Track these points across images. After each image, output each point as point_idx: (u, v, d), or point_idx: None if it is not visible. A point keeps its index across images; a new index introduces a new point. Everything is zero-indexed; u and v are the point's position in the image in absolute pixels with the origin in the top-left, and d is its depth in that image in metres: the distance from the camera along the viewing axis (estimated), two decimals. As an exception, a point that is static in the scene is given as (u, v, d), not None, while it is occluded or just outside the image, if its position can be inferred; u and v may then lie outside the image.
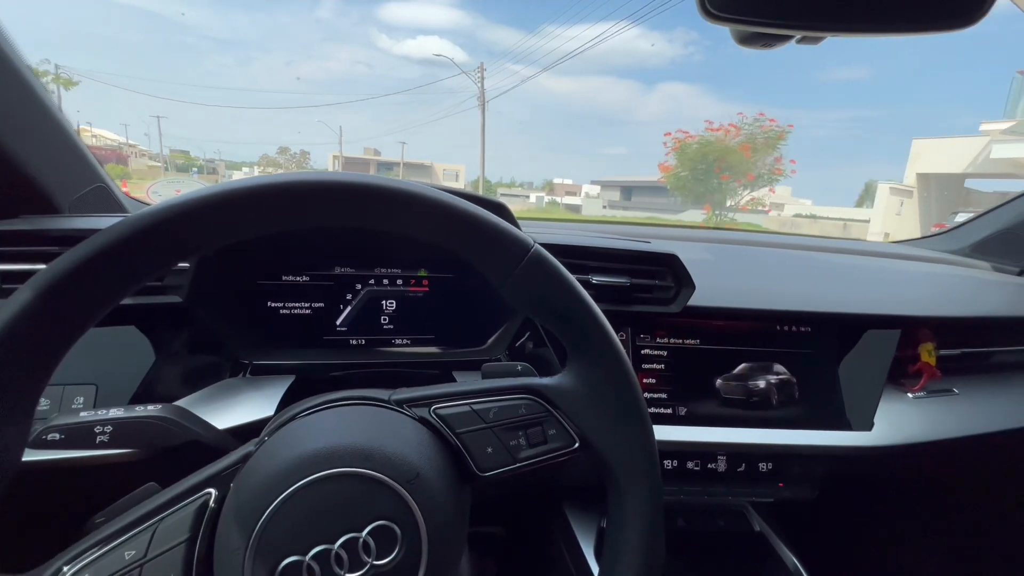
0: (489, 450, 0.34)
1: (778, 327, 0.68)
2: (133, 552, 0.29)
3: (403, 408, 0.35)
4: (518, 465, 0.35)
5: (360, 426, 0.32)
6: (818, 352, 0.68)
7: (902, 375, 0.72)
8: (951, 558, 1.16)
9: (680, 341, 0.66)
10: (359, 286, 0.69)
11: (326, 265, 0.68)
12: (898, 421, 0.66)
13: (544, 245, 0.60)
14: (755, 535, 0.73)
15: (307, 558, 0.28)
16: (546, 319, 0.35)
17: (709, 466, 0.65)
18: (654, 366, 0.65)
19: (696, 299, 0.65)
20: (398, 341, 0.71)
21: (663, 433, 0.62)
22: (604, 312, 0.63)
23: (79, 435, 0.37)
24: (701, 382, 0.65)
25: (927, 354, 0.71)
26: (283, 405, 0.56)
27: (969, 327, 0.76)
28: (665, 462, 0.64)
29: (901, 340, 0.70)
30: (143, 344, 0.57)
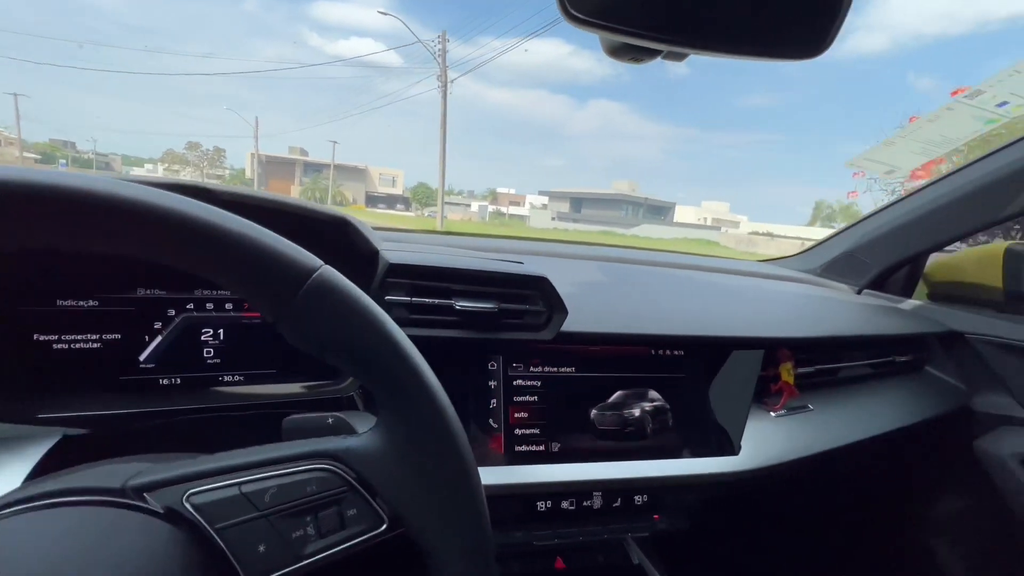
0: (262, 548, 0.26)
1: (652, 351, 0.66)
2: None
3: (142, 499, 0.25)
4: (302, 564, 0.26)
5: (47, 552, 0.22)
6: (690, 376, 0.67)
7: (765, 394, 0.74)
8: (821, 568, 1.25)
9: (555, 369, 0.62)
10: (171, 311, 0.56)
11: (122, 286, 0.54)
12: (762, 442, 0.67)
13: (398, 265, 0.52)
14: (634, 568, 0.71)
15: None
16: (341, 362, 0.27)
17: (584, 504, 0.61)
18: (526, 398, 0.59)
19: (571, 324, 0.60)
20: (228, 378, 0.58)
21: (536, 473, 0.57)
22: (471, 340, 0.57)
23: None
24: (575, 413, 0.61)
25: (787, 373, 0.73)
26: (39, 473, 0.42)
27: (820, 346, 0.81)
28: (538, 504, 0.59)
29: (764, 360, 0.72)
30: None
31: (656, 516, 0.64)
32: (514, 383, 0.59)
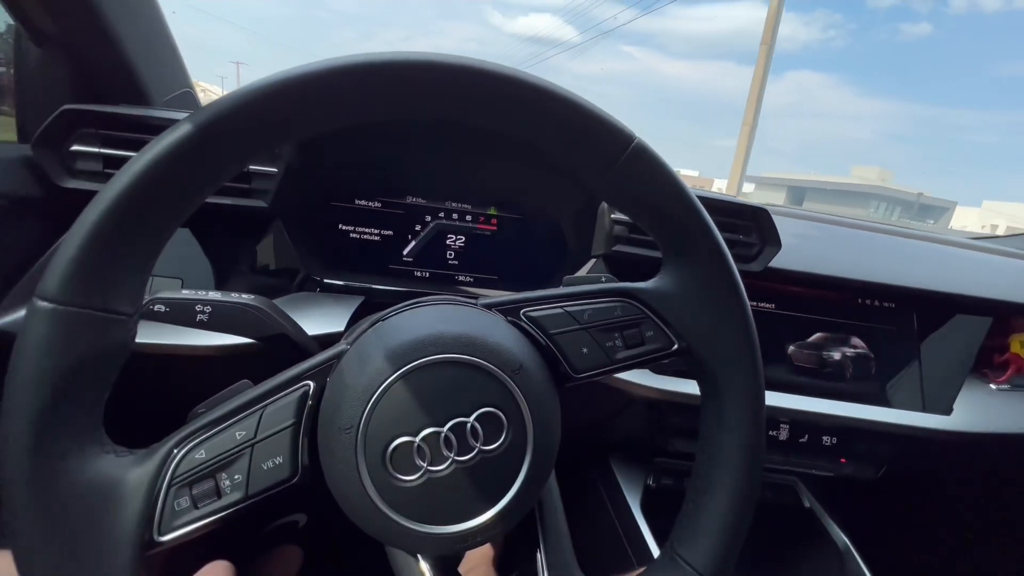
0: (585, 351, 0.34)
1: (860, 300, 0.65)
2: (244, 433, 0.29)
3: (493, 311, 0.35)
4: (615, 366, 0.34)
5: (459, 319, 0.32)
6: (901, 330, 0.65)
7: (987, 365, 0.68)
8: (1009, 555, 1.12)
9: (755, 304, 0.64)
10: (428, 218, 0.69)
11: (398, 193, 0.68)
12: (979, 409, 0.63)
13: None
14: (804, 511, 0.72)
15: (417, 439, 0.28)
16: (645, 217, 0.34)
17: (770, 432, 0.63)
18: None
19: (780, 262, 0.62)
20: (461, 278, 0.70)
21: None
22: None
23: (181, 310, 0.38)
24: (772, 347, 0.63)
25: (1019, 345, 0.66)
26: (352, 322, 0.57)
27: None
28: None
29: (991, 328, 0.66)
30: (220, 246, 0.59)
31: (843, 460, 0.64)
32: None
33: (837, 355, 0.63)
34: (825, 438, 0.63)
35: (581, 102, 0.31)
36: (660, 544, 0.60)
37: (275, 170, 0.55)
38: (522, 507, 0.30)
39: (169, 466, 0.28)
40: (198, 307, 0.39)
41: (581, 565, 0.44)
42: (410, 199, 0.68)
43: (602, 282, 0.39)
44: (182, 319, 0.39)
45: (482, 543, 0.30)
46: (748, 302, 0.34)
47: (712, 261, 0.34)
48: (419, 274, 0.70)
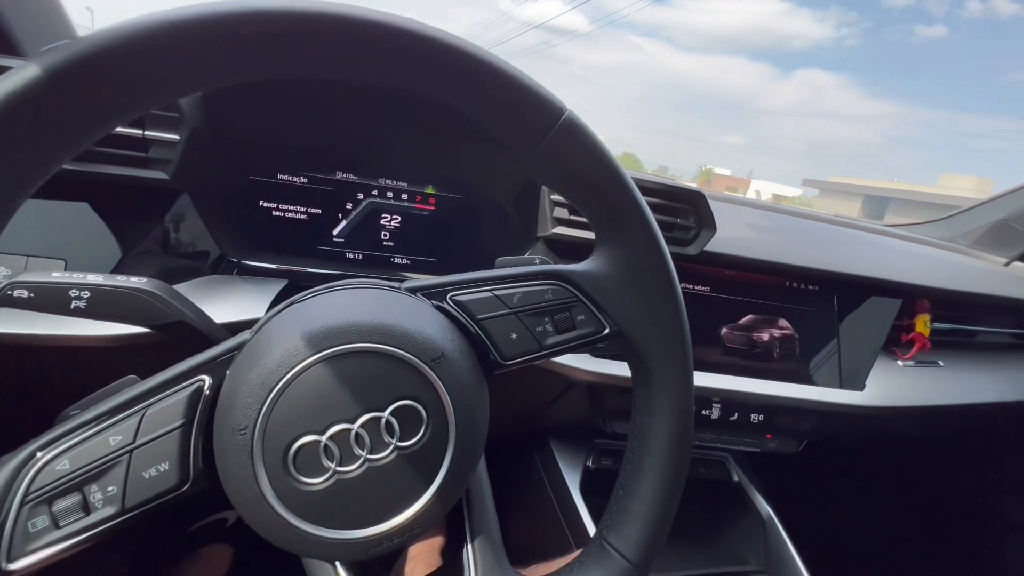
0: (514, 336, 0.32)
1: (788, 283, 0.68)
2: (119, 438, 0.26)
3: (417, 295, 0.32)
4: (544, 352, 0.33)
5: (375, 305, 0.29)
6: (822, 311, 0.68)
7: (895, 343, 0.73)
8: (914, 515, 1.23)
9: (691, 287, 0.65)
10: (361, 196, 0.64)
11: (326, 168, 0.63)
12: (888, 385, 0.68)
13: None
14: (733, 485, 0.75)
15: (324, 438, 0.25)
16: (577, 196, 0.32)
17: (703, 412, 0.65)
18: (663, 308, 0.63)
19: (715, 246, 0.63)
20: (397, 260, 0.67)
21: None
22: None
23: (51, 296, 0.33)
24: (706, 329, 0.64)
25: (923, 324, 0.72)
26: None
27: (963, 304, 0.78)
28: None
29: (900, 309, 0.71)
30: (118, 225, 0.52)
31: (769, 436, 0.68)
32: (652, 293, 0.64)
33: (766, 336, 0.65)
34: (753, 415, 0.66)
35: (508, 69, 0.29)
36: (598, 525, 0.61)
37: (176, 137, 0.48)
38: (445, 503, 0.29)
39: (23, 479, 0.24)
40: (73, 292, 0.33)
41: (521, 549, 0.43)
42: (340, 175, 0.63)
43: (536, 264, 0.38)
44: (53, 306, 0.33)
45: (401, 545, 0.28)
46: (679, 287, 0.34)
47: (644, 244, 0.33)
48: (351, 256, 0.65)
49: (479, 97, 0.29)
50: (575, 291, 0.34)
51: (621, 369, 0.60)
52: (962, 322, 0.78)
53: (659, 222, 0.60)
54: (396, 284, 0.33)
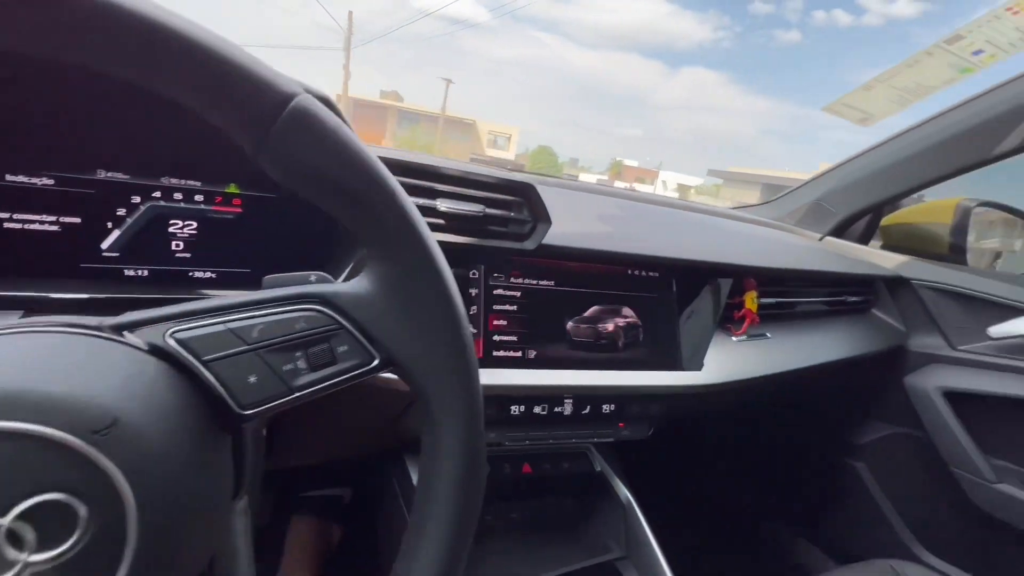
0: (252, 379, 0.26)
1: (630, 271, 0.68)
2: None
3: (121, 335, 0.24)
4: (295, 396, 0.27)
5: (28, 361, 0.21)
6: (663, 297, 0.70)
7: (730, 320, 0.78)
8: (754, 481, 1.37)
9: (534, 282, 0.63)
10: (137, 199, 0.52)
11: (84, 166, 0.50)
12: (724, 362, 0.72)
13: (387, 161, 0.51)
14: (596, 475, 0.76)
15: None
16: (327, 200, 0.27)
17: (556, 409, 0.64)
18: (506, 307, 0.60)
19: (554, 237, 0.61)
20: (198, 275, 0.56)
21: (512, 377, 0.59)
22: (454, 247, 0.56)
23: None
24: (552, 324, 0.62)
25: (751, 301, 0.77)
26: None
27: (784, 279, 0.86)
28: (512, 408, 0.61)
29: (731, 289, 0.75)
30: None
31: (621, 424, 0.68)
32: (494, 292, 0.60)
33: (611, 326, 0.65)
34: (604, 406, 0.66)
35: (225, 50, 0.22)
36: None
37: None
38: None
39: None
40: None
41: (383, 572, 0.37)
42: (104, 174, 0.51)
43: (311, 282, 0.31)
44: None
45: None
46: (460, 304, 0.29)
47: (413, 256, 0.28)
48: (133, 273, 0.53)
49: (187, 82, 0.22)
50: (337, 317, 0.28)
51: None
52: (785, 295, 0.86)
53: (493, 216, 0.57)
54: (95, 323, 0.25)
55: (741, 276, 0.77)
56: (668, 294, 0.70)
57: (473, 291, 0.59)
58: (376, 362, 0.28)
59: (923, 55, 0.81)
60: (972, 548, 0.95)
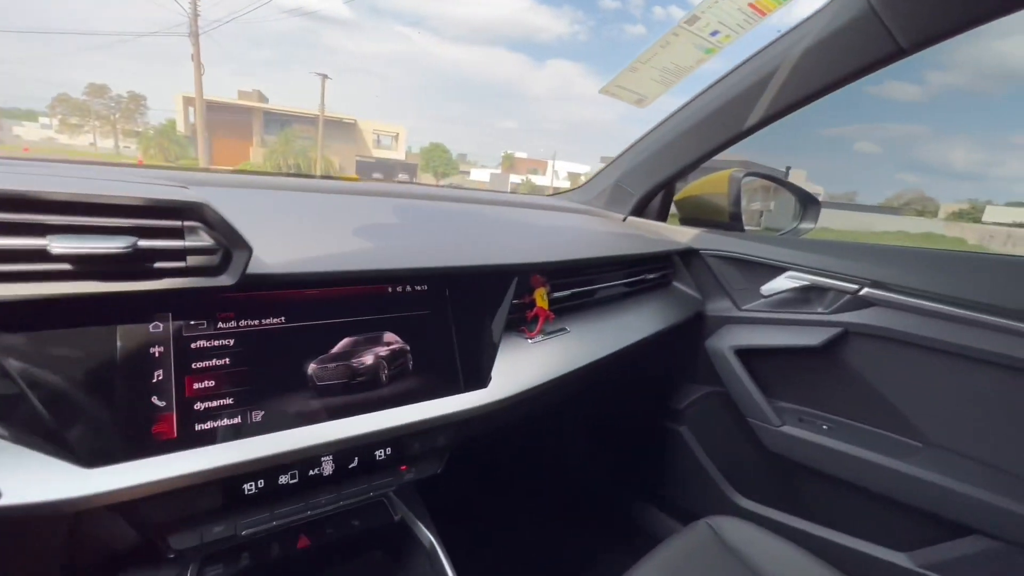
0: None
1: (389, 289, 0.58)
2: None
3: None
4: None
5: None
6: (434, 312, 0.61)
7: (522, 322, 0.73)
8: (597, 456, 1.39)
9: (255, 323, 0.49)
10: None
11: None
12: (516, 370, 0.66)
13: None
14: (397, 524, 0.66)
15: None
16: None
17: (311, 473, 0.52)
18: (211, 363, 0.46)
19: (266, 265, 0.48)
20: None
21: (232, 453, 0.45)
22: (115, 298, 0.41)
23: None
24: (286, 372, 0.50)
25: (541, 298, 0.73)
26: None
27: (575, 269, 0.83)
28: (246, 486, 0.48)
29: (517, 288, 0.70)
30: None
31: (404, 467, 0.59)
32: (192, 346, 0.46)
33: (369, 359, 0.55)
34: (378, 452, 0.56)
35: None
36: None
37: None
38: None
39: None
40: None
41: None
42: None
43: None
44: None
45: None
46: None
47: None
48: None
49: None
50: None
51: (150, 471, 0.41)
52: (580, 284, 0.84)
53: (154, 251, 0.42)
54: None
55: (527, 274, 0.72)
56: (440, 308, 0.62)
57: (156, 350, 0.44)
58: None
59: (671, 36, 0.84)
60: (774, 488, 1.06)
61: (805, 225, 1.28)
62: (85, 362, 0.41)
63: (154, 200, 0.41)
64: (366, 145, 32.04)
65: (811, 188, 1.36)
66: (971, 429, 0.83)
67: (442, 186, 0.96)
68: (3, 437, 0.38)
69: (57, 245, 0.37)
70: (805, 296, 0.99)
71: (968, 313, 0.80)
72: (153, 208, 0.41)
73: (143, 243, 0.41)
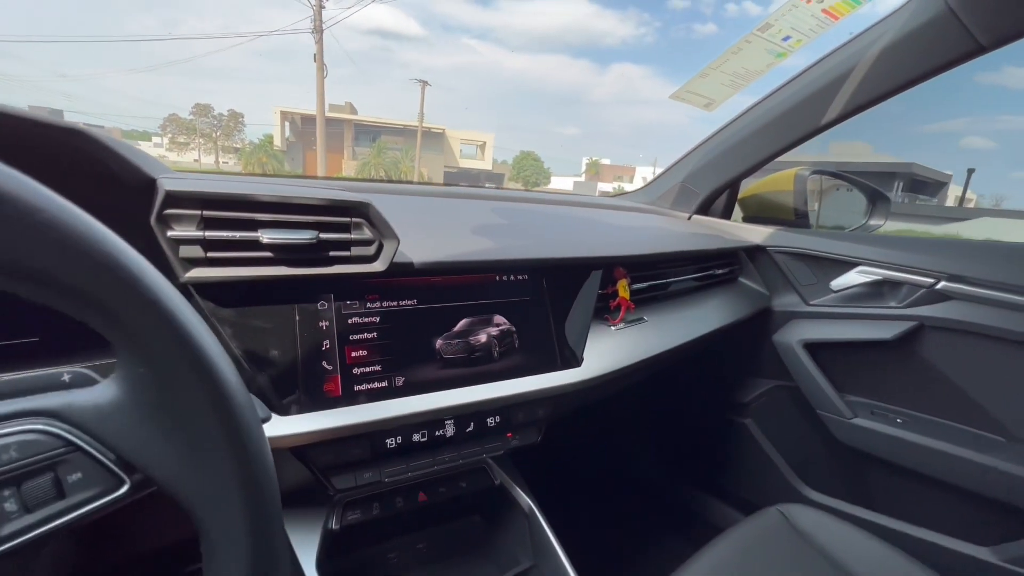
0: None
1: (497, 278, 0.67)
2: None
3: None
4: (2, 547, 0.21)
5: None
6: (534, 299, 0.69)
7: (606, 311, 0.80)
8: (660, 447, 1.43)
9: (394, 303, 0.59)
10: None
11: None
12: (603, 353, 0.73)
13: (179, 194, 0.43)
14: (496, 488, 0.74)
15: None
16: (31, 290, 0.20)
17: (437, 433, 0.60)
18: (364, 335, 0.56)
19: (406, 254, 0.57)
20: None
21: (381, 410, 0.54)
22: (293, 278, 0.51)
23: None
24: (419, 346, 0.59)
25: (623, 289, 0.79)
26: None
27: (653, 263, 0.89)
28: (388, 440, 0.57)
29: (602, 279, 0.77)
30: None
31: (510, 435, 0.66)
32: (349, 321, 0.55)
33: (483, 337, 0.63)
34: (489, 420, 0.64)
35: None
36: None
37: None
38: None
39: None
40: None
41: None
42: None
43: (63, 382, 0.25)
44: None
45: None
46: (241, 405, 0.24)
47: (168, 349, 0.22)
48: None
49: None
50: (70, 436, 0.22)
51: (322, 421, 0.50)
52: (656, 278, 0.90)
53: (330, 242, 0.52)
54: None
55: (611, 266, 0.79)
56: (539, 295, 0.70)
57: (323, 324, 0.54)
58: (126, 487, 0.23)
59: (743, 43, 0.88)
60: (845, 480, 1.07)
61: (875, 221, 1.27)
62: (276, 333, 0.51)
63: (332, 200, 0.51)
64: (453, 155, 31.62)
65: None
66: (1058, 423, 0.83)
67: (528, 190, 1.05)
68: None
69: (267, 236, 0.48)
70: (877, 290, 1.00)
71: (1054, 306, 0.80)
72: (332, 206, 0.51)
73: (323, 235, 0.50)
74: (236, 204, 0.47)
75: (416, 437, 0.59)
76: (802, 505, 0.86)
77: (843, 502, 1.06)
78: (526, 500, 0.72)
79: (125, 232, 0.45)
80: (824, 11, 0.82)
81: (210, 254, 0.46)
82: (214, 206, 0.46)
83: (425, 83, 23.23)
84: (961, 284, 0.88)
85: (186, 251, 0.46)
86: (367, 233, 0.53)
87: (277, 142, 27.46)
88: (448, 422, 0.61)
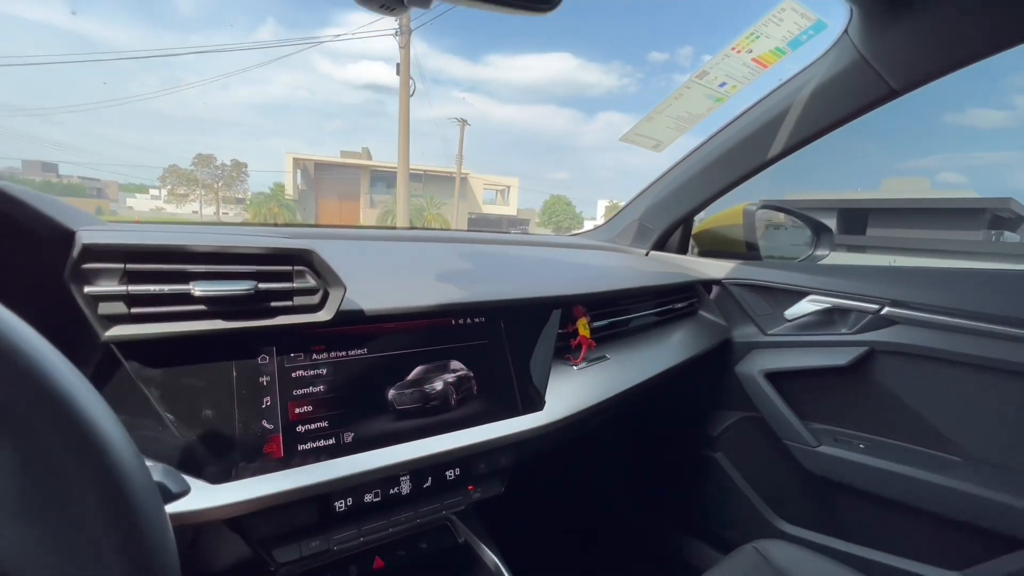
0: None
1: (452, 321, 0.65)
2: None
3: None
4: None
5: None
6: (492, 341, 0.67)
7: (567, 350, 0.79)
8: (632, 485, 1.40)
9: (343, 354, 0.56)
10: None
11: None
12: (566, 394, 0.71)
13: (98, 247, 0.41)
14: (461, 546, 0.69)
15: None
16: None
17: (392, 491, 0.56)
18: (309, 390, 0.53)
19: (354, 302, 0.55)
20: None
21: (326, 470, 0.50)
22: (230, 332, 0.47)
23: None
24: (370, 398, 0.56)
25: (583, 328, 0.78)
26: None
27: (611, 300, 0.90)
28: (336, 503, 0.53)
29: (562, 318, 0.76)
30: None
31: (471, 487, 0.63)
32: (292, 375, 0.52)
33: (439, 384, 0.60)
34: (448, 473, 0.60)
35: None
36: None
37: None
38: None
39: None
40: None
41: None
42: None
43: None
44: None
45: None
46: (139, 488, 0.22)
47: (38, 424, 0.20)
48: None
49: None
50: None
51: (257, 487, 0.46)
52: (617, 315, 0.90)
53: (270, 292, 0.49)
54: None
55: (570, 305, 0.79)
56: (498, 338, 0.68)
57: (264, 380, 0.51)
58: None
59: (684, 88, 0.94)
60: (817, 510, 1.06)
61: (820, 252, 1.33)
62: (210, 392, 0.47)
63: (272, 248, 0.49)
64: (476, 200, 29.63)
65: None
66: (1008, 440, 0.85)
67: (503, 232, 1.05)
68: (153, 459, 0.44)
69: (199, 289, 0.45)
70: (828, 318, 1.04)
71: (989, 326, 0.84)
72: (271, 255, 0.49)
73: (262, 285, 0.48)
74: (164, 256, 0.45)
75: (368, 497, 0.55)
76: (778, 541, 0.84)
77: (817, 533, 1.05)
78: (492, 558, 0.68)
79: (37, 290, 0.42)
80: (754, 59, 0.88)
81: (134, 310, 0.43)
82: (139, 259, 0.43)
83: (464, 122, 21.83)
84: (903, 309, 0.92)
85: (106, 308, 0.42)
86: (311, 281, 0.51)
87: (289, 191, 25.34)
88: (403, 478, 0.57)
